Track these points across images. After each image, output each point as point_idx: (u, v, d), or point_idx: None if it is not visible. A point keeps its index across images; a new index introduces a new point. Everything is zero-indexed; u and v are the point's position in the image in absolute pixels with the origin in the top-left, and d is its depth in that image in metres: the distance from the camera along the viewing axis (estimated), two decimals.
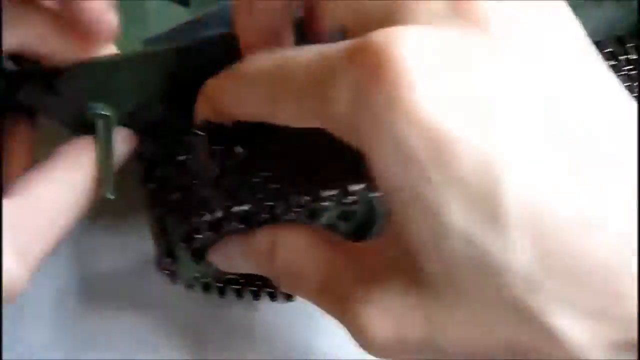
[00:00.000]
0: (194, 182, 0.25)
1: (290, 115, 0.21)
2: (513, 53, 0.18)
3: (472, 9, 0.18)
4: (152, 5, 0.32)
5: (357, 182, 0.23)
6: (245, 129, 0.25)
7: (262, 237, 0.25)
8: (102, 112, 0.26)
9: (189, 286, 0.30)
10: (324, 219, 0.26)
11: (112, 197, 0.25)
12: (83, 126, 0.26)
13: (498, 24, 0.18)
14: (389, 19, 0.19)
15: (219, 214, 0.24)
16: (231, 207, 0.24)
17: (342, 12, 0.21)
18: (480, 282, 0.17)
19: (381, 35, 0.18)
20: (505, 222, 0.16)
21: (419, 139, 0.17)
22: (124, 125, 0.26)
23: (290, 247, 0.24)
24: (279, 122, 0.22)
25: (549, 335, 0.17)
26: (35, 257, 0.23)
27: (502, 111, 0.17)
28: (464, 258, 0.17)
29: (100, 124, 0.26)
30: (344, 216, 0.27)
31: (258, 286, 0.30)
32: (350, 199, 0.24)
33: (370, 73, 0.18)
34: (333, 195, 0.24)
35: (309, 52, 0.20)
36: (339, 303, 0.21)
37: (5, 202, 0.23)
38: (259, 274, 0.26)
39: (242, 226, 0.25)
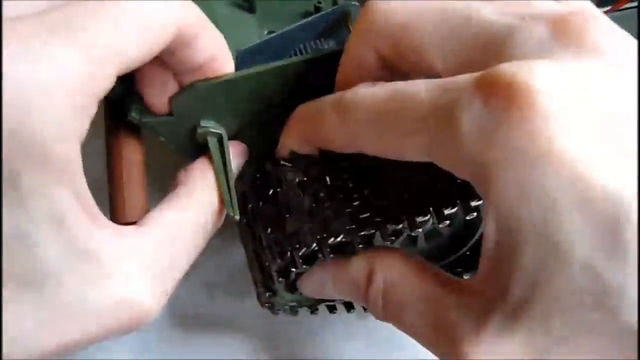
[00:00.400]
0: (286, 215, 0.25)
1: (403, 148, 0.21)
2: (625, 80, 0.18)
3: (581, 34, 0.19)
4: (221, 12, 0.31)
5: (450, 205, 0.23)
6: (332, 158, 0.24)
7: (358, 265, 0.24)
8: (215, 131, 0.25)
9: (284, 311, 0.29)
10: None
11: (237, 217, 0.25)
12: (194, 145, 0.25)
13: (608, 49, 0.19)
14: (497, 51, 0.19)
15: (314, 246, 0.24)
16: (326, 239, 0.24)
17: (434, 52, 0.21)
18: (595, 309, 0.18)
19: (513, 68, 0.18)
20: (625, 252, 0.17)
21: (557, 177, 0.17)
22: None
23: (390, 275, 0.23)
24: (386, 156, 0.22)
25: None
26: (170, 287, 0.22)
27: (631, 149, 0.17)
28: (582, 286, 0.18)
29: (213, 143, 0.25)
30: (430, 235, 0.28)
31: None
32: (445, 223, 0.24)
33: (506, 104, 0.18)
34: (427, 221, 0.24)
35: (425, 85, 0.20)
36: (448, 343, 0.21)
37: (140, 234, 0.22)
38: (353, 301, 0.25)
39: (333, 256, 0.24)
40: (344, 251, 0.24)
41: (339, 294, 0.26)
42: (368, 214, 0.24)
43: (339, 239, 0.24)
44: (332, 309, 0.30)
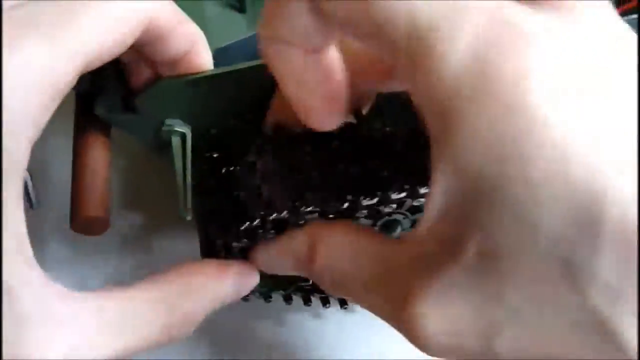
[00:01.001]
0: (236, 192, 0.25)
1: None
2: (604, 42, 0.18)
3: None
4: (211, 12, 0.31)
5: (398, 191, 0.23)
6: (283, 136, 0.25)
7: (301, 237, 0.24)
8: (179, 129, 0.26)
9: (256, 297, 0.30)
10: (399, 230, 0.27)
11: (188, 217, 0.25)
12: (159, 142, 0.26)
13: (587, 10, 0.18)
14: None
15: (256, 221, 0.24)
16: (268, 215, 0.24)
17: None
18: (557, 287, 0.17)
19: (521, 13, 0.17)
20: (600, 234, 0.16)
21: (540, 141, 0.16)
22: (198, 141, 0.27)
23: (331, 245, 0.23)
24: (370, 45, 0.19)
25: (618, 347, 0.17)
26: None
27: (614, 126, 0.17)
28: (546, 259, 0.17)
29: (176, 141, 0.26)
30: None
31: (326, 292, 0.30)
32: (391, 207, 0.24)
33: (508, 45, 0.17)
34: (373, 204, 0.24)
35: None
36: (396, 299, 0.20)
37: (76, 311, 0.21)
38: (300, 274, 0.25)
39: (273, 231, 0.25)
40: (286, 228, 0.25)
41: (289, 269, 0.26)
42: (311, 192, 0.24)
43: (279, 216, 0.24)
44: (306, 301, 0.30)
